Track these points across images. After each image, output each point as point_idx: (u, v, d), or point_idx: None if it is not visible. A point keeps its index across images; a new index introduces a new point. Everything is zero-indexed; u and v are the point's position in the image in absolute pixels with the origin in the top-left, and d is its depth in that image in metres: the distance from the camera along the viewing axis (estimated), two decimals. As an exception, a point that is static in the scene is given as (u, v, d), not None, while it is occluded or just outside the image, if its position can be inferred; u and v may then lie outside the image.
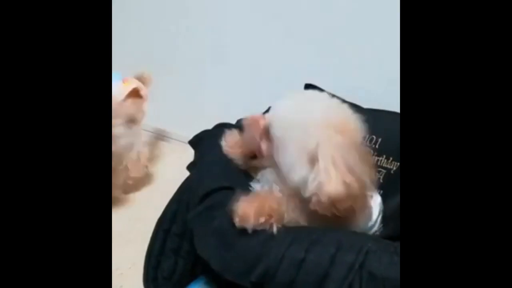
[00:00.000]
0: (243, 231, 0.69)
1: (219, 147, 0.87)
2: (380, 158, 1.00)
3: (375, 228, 0.85)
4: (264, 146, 0.76)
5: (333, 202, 0.63)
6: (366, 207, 0.76)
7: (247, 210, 0.66)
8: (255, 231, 0.68)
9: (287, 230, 0.69)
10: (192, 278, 0.89)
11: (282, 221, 0.69)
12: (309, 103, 0.74)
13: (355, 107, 1.13)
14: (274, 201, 0.69)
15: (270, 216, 0.67)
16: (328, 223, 0.69)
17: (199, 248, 0.74)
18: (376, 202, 0.86)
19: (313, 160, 0.66)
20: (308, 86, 1.13)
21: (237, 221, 0.66)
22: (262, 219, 0.66)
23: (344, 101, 1.15)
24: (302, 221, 0.72)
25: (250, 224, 0.66)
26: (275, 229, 0.67)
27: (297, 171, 0.68)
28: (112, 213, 1.20)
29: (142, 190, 1.37)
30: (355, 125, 0.72)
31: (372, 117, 1.06)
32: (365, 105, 1.13)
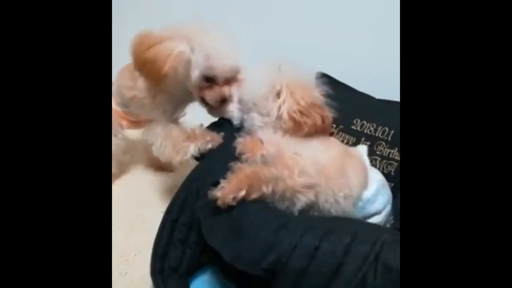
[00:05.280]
0: (253, 220, 0.68)
1: (228, 138, 0.86)
2: (392, 151, 0.98)
3: (377, 207, 0.83)
4: None
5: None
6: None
7: (225, 191, 0.70)
8: (266, 220, 0.68)
9: (300, 219, 0.68)
10: (199, 267, 0.88)
11: (268, 185, 0.72)
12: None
13: (366, 97, 1.12)
14: (251, 170, 0.73)
15: (250, 186, 0.71)
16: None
17: (209, 238, 0.73)
18: (374, 177, 0.87)
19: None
20: (320, 76, 1.11)
21: (219, 204, 0.70)
22: (242, 193, 0.70)
23: (354, 90, 1.14)
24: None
25: (230, 199, 0.70)
26: (264, 189, 0.71)
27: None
28: (117, 199, 1.21)
29: (146, 175, 1.36)
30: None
31: (384, 108, 1.05)
32: (378, 96, 1.12)
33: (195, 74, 0.89)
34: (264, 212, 0.70)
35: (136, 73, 1.01)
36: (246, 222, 0.69)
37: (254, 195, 0.71)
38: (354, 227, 0.64)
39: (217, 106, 0.94)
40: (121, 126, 1.20)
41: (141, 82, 1.01)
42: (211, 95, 0.92)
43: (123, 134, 1.22)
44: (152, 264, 0.85)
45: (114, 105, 1.17)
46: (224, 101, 0.93)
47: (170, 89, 0.97)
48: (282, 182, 0.73)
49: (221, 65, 0.89)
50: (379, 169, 0.98)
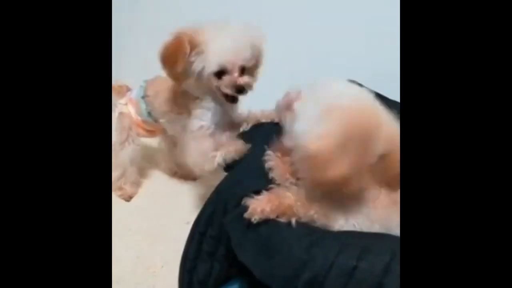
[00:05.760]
0: (285, 237, 0.67)
1: (258, 149, 0.83)
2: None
3: None
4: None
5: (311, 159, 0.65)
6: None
7: (256, 206, 0.69)
8: (298, 237, 0.66)
9: (334, 236, 0.65)
10: (226, 280, 0.87)
11: (295, 216, 0.69)
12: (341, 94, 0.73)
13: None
14: (285, 197, 0.70)
15: (283, 213, 0.69)
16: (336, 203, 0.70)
17: (239, 254, 0.71)
18: None
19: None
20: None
21: (246, 216, 0.69)
22: (271, 216, 0.68)
23: (386, 98, 1.10)
24: (314, 210, 0.71)
25: (256, 217, 0.68)
26: (293, 222, 0.68)
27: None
28: (141, 210, 1.21)
29: (171, 186, 1.36)
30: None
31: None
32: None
33: (207, 72, 0.94)
34: (295, 228, 0.67)
35: None
36: (277, 238, 0.67)
37: (282, 219, 0.69)
38: (393, 244, 0.61)
39: (234, 94, 0.97)
40: (138, 134, 1.23)
41: None
42: (224, 84, 0.96)
43: (140, 141, 1.25)
44: (180, 278, 0.85)
45: (133, 114, 1.20)
46: (241, 90, 0.96)
47: (192, 90, 1.02)
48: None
49: (224, 58, 0.93)
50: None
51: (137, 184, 1.30)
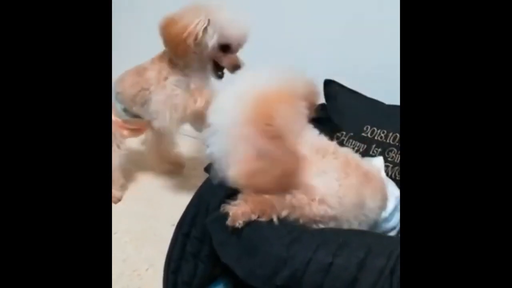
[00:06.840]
0: (266, 235, 0.68)
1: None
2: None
3: (393, 224, 0.81)
4: None
5: None
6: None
7: (236, 210, 0.69)
8: (278, 235, 0.67)
9: (313, 233, 0.66)
10: (212, 281, 0.87)
11: (276, 212, 0.70)
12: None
13: (376, 103, 1.11)
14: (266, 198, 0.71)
15: (262, 212, 0.70)
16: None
17: (221, 255, 0.72)
18: (392, 193, 0.83)
19: None
20: (328, 83, 1.10)
21: (228, 223, 0.69)
22: (253, 217, 0.69)
23: (364, 96, 1.13)
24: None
25: (240, 221, 0.69)
26: (275, 219, 0.69)
27: None
28: (127, 213, 1.22)
29: (156, 188, 1.36)
30: None
31: (394, 114, 1.04)
32: (389, 101, 1.10)
33: (212, 42, 1.03)
34: (276, 226, 0.69)
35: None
36: (258, 237, 0.68)
37: (264, 219, 0.70)
38: (368, 240, 0.63)
39: (232, 72, 1.08)
40: (123, 136, 1.23)
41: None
42: (227, 61, 1.07)
43: (126, 145, 1.25)
44: (164, 279, 0.85)
45: (113, 116, 1.20)
46: (237, 68, 1.07)
47: (190, 63, 1.09)
48: (299, 210, 0.70)
49: (234, 33, 1.04)
50: (390, 176, 0.97)
51: (123, 188, 1.30)
